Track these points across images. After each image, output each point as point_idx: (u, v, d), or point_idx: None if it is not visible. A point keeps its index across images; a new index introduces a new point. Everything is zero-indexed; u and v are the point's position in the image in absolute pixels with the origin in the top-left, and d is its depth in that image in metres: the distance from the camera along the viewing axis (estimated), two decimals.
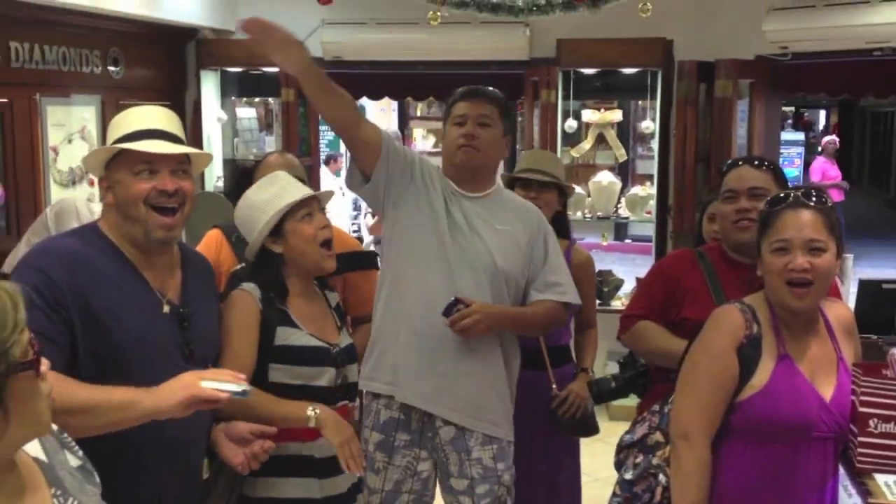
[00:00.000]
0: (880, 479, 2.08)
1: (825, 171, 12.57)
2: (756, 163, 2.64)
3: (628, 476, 2.41)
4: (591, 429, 3.12)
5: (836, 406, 2.11)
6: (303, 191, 2.36)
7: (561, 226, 3.12)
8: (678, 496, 2.13)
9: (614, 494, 2.42)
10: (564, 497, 3.16)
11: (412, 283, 2.60)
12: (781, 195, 2.16)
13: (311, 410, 2.23)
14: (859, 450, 2.10)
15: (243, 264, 2.51)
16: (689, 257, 2.73)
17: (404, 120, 11.68)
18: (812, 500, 2.13)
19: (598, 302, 5.45)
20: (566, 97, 5.65)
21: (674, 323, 2.63)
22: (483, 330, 2.52)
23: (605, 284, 5.49)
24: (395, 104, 10.95)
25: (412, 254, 2.62)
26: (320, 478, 2.31)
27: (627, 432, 2.51)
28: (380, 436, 2.65)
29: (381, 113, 10.91)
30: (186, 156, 2.09)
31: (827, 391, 2.12)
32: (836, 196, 12.66)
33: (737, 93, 5.31)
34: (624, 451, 2.49)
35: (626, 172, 7.89)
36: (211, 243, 2.87)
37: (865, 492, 2.05)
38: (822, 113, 16.40)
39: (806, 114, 16.38)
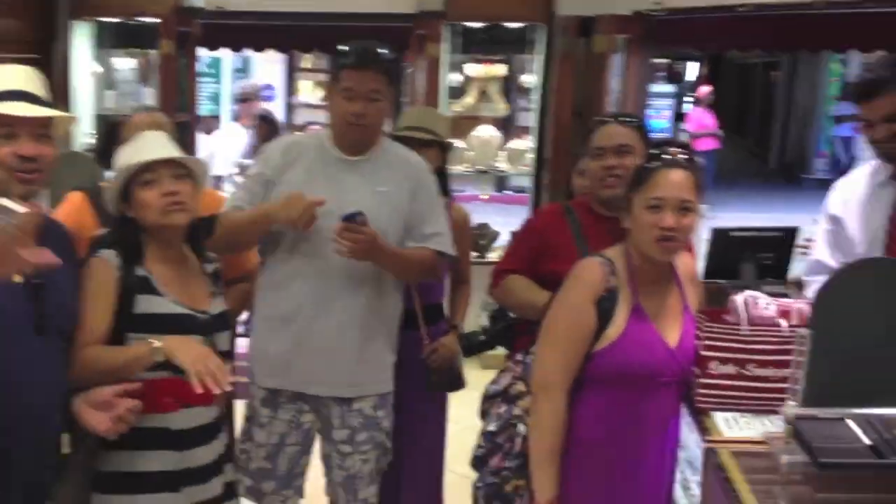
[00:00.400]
0: (720, 416, 2.26)
1: (701, 120, 13.01)
2: (623, 119, 2.72)
3: (491, 427, 2.51)
4: (458, 383, 3.20)
5: (680, 352, 2.25)
6: (152, 154, 2.26)
7: (441, 182, 3.13)
8: (535, 444, 2.24)
9: (478, 446, 2.52)
10: (425, 447, 3.22)
11: (290, 276, 2.66)
12: (658, 152, 2.25)
13: (155, 342, 2.14)
14: (699, 391, 2.27)
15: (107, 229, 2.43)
16: (558, 212, 2.81)
17: (292, 72, 11.46)
18: (657, 440, 2.27)
19: (475, 255, 5.62)
20: (452, 51, 5.67)
21: (542, 276, 2.71)
22: (363, 252, 2.52)
23: (483, 237, 5.59)
24: (281, 57, 10.73)
25: (292, 245, 2.65)
26: (179, 450, 2.24)
27: (492, 382, 2.61)
28: (264, 392, 2.71)
29: (267, 65, 10.69)
30: (49, 118, 2.04)
31: (673, 338, 2.25)
32: (710, 144, 13.15)
33: (613, 48, 5.44)
34: (488, 402, 2.60)
35: (509, 126, 7.97)
36: (72, 207, 2.77)
37: (703, 429, 2.24)
38: (693, 65, 16.91)
39: (678, 66, 16.87)
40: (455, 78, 5.57)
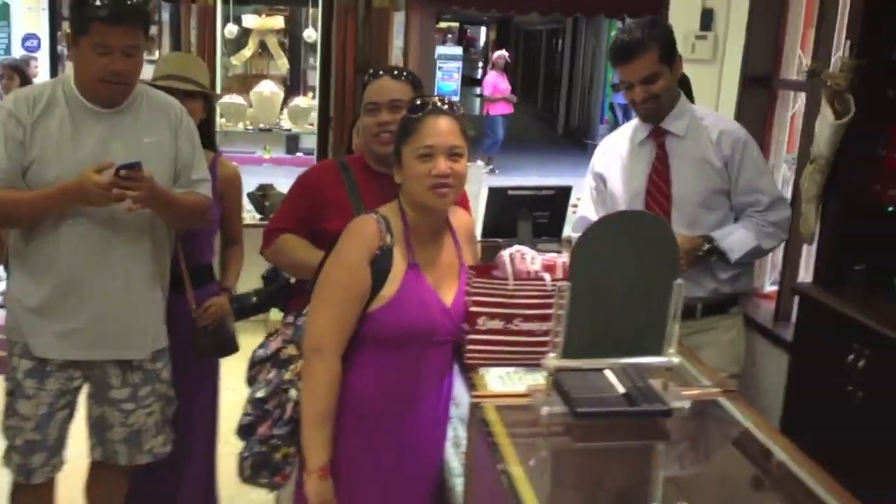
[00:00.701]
0: (494, 372, 2.25)
1: (496, 84, 13.30)
2: (395, 73, 2.65)
3: (260, 394, 2.38)
4: (229, 347, 3.09)
5: (455, 310, 2.22)
6: None
7: (207, 136, 3.01)
8: (307, 408, 2.16)
9: (245, 413, 2.40)
10: (200, 417, 3.13)
11: (58, 240, 2.53)
12: (419, 102, 2.18)
13: None
14: (468, 346, 2.25)
15: None
16: (332, 168, 2.71)
17: (57, 20, 10.52)
18: (431, 399, 2.25)
19: (258, 217, 5.44)
20: (226, 1, 5.40)
21: (316, 235, 2.62)
22: (146, 200, 2.48)
23: (267, 199, 5.42)
24: (44, 2, 9.82)
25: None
26: None
27: (260, 346, 2.49)
28: (30, 363, 2.58)
29: (29, 12, 9.77)
30: None
31: (449, 297, 2.22)
32: (505, 109, 13.51)
33: (394, 4, 5.37)
34: (256, 367, 2.47)
35: (294, 84, 7.75)
36: None
37: (471, 385, 2.23)
38: (483, 30, 17.27)
39: (469, 30, 17.15)
40: (231, 29, 5.29)
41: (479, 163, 4.45)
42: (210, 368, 3.16)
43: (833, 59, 3.28)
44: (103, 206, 2.47)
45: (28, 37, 9.13)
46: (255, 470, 2.36)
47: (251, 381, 2.48)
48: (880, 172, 2.78)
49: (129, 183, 2.41)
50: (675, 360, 2.06)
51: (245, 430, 2.41)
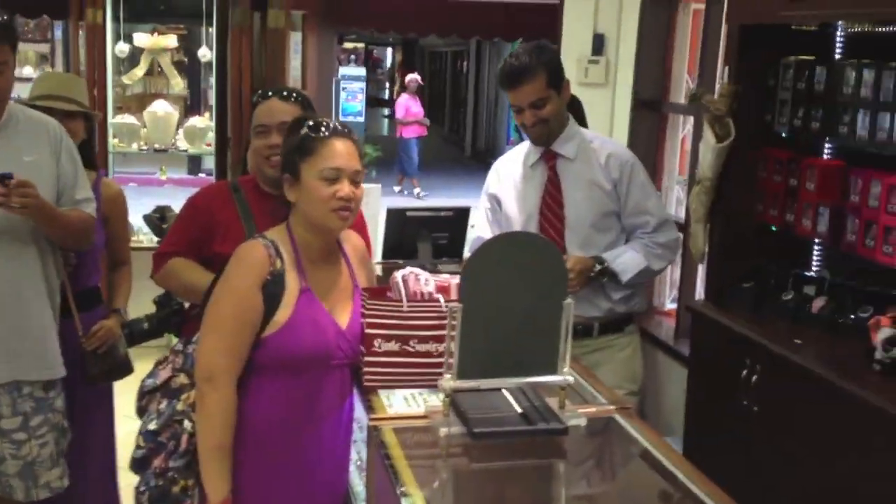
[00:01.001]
0: (399, 393, 2.24)
1: (408, 107, 13.32)
2: (285, 94, 2.62)
3: (152, 426, 2.31)
4: (122, 370, 3.02)
5: (350, 333, 2.20)
6: None
7: (88, 156, 2.96)
8: (203, 440, 2.10)
9: (138, 447, 2.32)
10: (96, 448, 3.04)
11: None
12: (322, 122, 2.16)
13: None
14: (366, 369, 2.23)
15: None
16: (224, 189, 2.67)
17: None
18: (331, 423, 2.21)
19: (156, 240, 5.29)
20: (117, 18, 5.27)
21: (207, 259, 2.56)
22: (33, 208, 2.45)
23: (165, 221, 5.29)
24: None
25: None
26: None
27: (149, 376, 2.41)
28: None
29: None
30: None
31: (344, 319, 2.19)
32: (417, 132, 13.56)
33: (290, 24, 5.33)
34: (146, 397, 2.40)
35: (196, 103, 7.62)
36: None
37: (369, 408, 2.21)
38: (389, 51, 17.35)
39: (375, 51, 17.21)
40: (122, 48, 5.17)
41: (375, 185, 4.46)
42: (104, 396, 3.07)
43: (717, 85, 3.41)
44: None
45: None
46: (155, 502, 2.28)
47: (141, 412, 2.40)
48: (763, 193, 2.90)
49: (11, 191, 2.38)
50: (570, 378, 2.08)
51: (138, 464, 2.33)
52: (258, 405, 2.13)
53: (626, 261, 2.85)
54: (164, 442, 2.30)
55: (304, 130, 2.16)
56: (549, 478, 2.09)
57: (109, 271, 3.15)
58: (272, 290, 2.10)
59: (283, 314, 2.10)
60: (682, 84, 4.09)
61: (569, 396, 2.12)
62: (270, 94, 2.64)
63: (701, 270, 3.65)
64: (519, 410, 2.06)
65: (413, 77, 13.55)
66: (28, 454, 2.61)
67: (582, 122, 3.13)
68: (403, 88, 14.04)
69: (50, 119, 2.68)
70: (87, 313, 2.93)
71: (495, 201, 3.06)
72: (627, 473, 2.14)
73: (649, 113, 4.13)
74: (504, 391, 2.13)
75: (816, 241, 2.86)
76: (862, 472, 2.20)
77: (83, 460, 2.89)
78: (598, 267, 2.82)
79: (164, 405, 2.34)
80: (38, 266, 2.59)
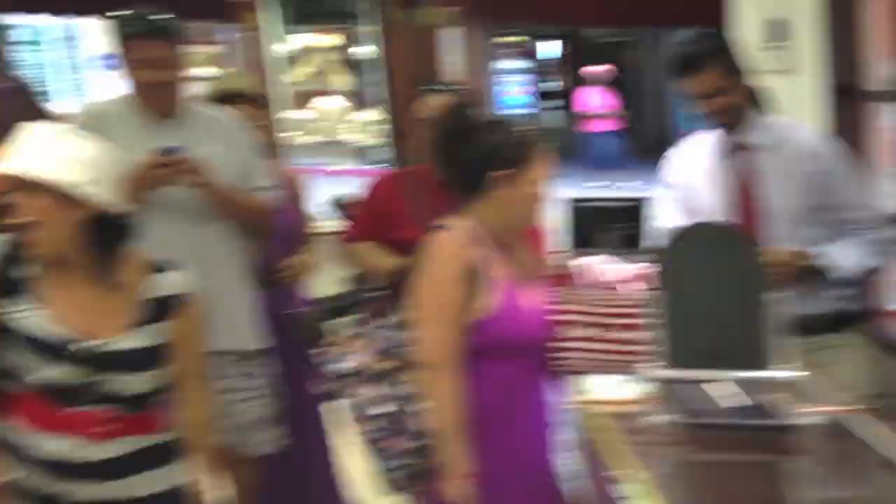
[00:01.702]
0: (594, 379, 2.29)
1: (591, 100, 13.20)
2: (443, 89, 2.78)
3: (374, 411, 2.39)
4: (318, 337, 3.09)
5: (545, 318, 2.24)
6: None
7: (267, 146, 3.04)
8: (440, 422, 2.16)
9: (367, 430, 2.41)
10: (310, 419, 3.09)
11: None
12: (525, 129, 2.25)
13: None
14: (560, 354, 2.25)
15: None
16: (398, 179, 2.85)
17: None
18: (537, 402, 2.27)
19: (336, 225, 5.48)
20: (285, 22, 5.57)
21: (387, 243, 2.70)
22: (198, 186, 2.52)
23: (344, 208, 5.48)
24: None
25: None
26: None
27: (336, 360, 2.48)
28: None
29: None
30: None
31: (538, 305, 2.24)
32: (615, 125, 13.45)
33: (444, 20, 5.36)
34: (340, 381, 2.46)
35: (361, 97, 7.89)
36: None
37: (575, 391, 2.27)
38: (548, 44, 17.29)
39: (538, 45, 17.23)
40: (283, 49, 5.50)
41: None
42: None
43: None
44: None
45: (107, 56, 9.27)
46: (408, 481, 2.38)
47: (334, 395, 2.46)
48: None
49: (174, 167, 2.47)
50: (795, 374, 2.00)
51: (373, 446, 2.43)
52: (475, 387, 2.18)
53: (837, 256, 2.66)
54: (389, 426, 2.41)
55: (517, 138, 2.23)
56: (774, 475, 1.98)
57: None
58: (474, 275, 2.15)
59: (488, 301, 2.16)
60: (880, 68, 3.81)
61: (791, 393, 2.03)
62: (430, 88, 2.82)
63: None
64: (734, 404, 2.00)
65: (608, 68, 13.36)
66: (245, 413, 2.70)
67: (766, 110, 2.96)
68: (579, 81, 13.82)
69: (224, 113, 2.79)
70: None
71: (681, 191, 2.93)
72: (867, 478, 1.95)
73: (844, 100, 3.86)
74: (717, 384, 2.07)
75: None
76: None
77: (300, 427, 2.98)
78: (803, 262, 2.66)
79: (373, 390, 2.42)
80: (235, 246, 2.69)
